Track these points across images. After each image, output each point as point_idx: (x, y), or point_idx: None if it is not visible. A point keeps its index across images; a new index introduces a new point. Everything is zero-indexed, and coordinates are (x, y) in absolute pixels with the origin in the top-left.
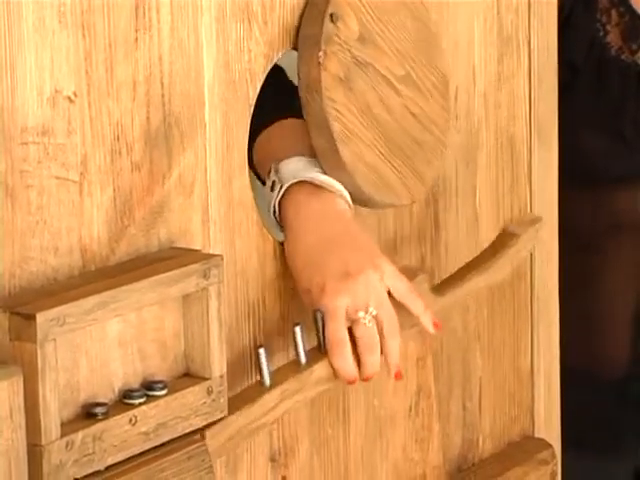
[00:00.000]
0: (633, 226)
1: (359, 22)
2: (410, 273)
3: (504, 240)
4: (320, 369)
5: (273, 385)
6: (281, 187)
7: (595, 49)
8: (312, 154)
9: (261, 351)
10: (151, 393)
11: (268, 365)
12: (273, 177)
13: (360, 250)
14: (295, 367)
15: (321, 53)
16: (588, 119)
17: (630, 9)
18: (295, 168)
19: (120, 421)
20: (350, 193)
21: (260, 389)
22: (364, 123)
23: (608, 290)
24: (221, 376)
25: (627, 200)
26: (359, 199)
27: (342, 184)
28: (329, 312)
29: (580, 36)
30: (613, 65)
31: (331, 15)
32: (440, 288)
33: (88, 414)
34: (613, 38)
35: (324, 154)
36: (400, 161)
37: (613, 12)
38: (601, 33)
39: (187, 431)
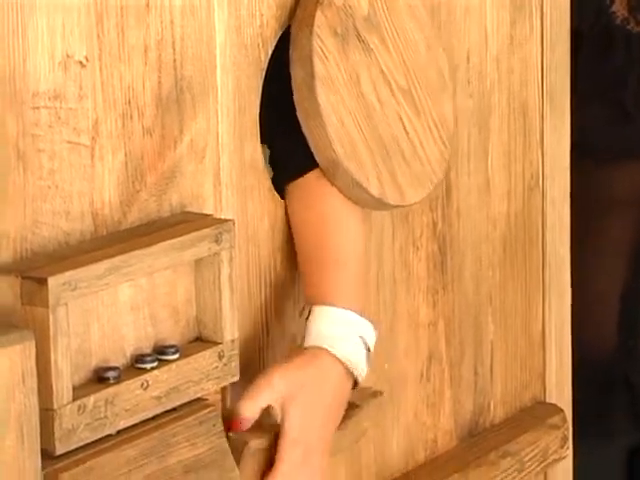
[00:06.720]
0: (627, 202)
1: (369, 4)
2: None
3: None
4: None
5: None
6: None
7: (602, 17)
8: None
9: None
10: (163, 357)
11: None
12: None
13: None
14: None
15: None
16: (590, 89)
17: None
18: (325, 329)
19: (132, 385)
20: (320, 151)
21: None
22: (350, 91)
23: (597, 270)
24: (232, 340)
25: (624, 175)
26: (326, 157)
27: (311, 133)
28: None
29: (587, 3)
30: (618, 35)
31: None
32: None
33: (100, 379)
34: (619, 8)
35: (300, 92)
36: (380, 158)
37: None
38: (607, 1)
39: (199, 395)
